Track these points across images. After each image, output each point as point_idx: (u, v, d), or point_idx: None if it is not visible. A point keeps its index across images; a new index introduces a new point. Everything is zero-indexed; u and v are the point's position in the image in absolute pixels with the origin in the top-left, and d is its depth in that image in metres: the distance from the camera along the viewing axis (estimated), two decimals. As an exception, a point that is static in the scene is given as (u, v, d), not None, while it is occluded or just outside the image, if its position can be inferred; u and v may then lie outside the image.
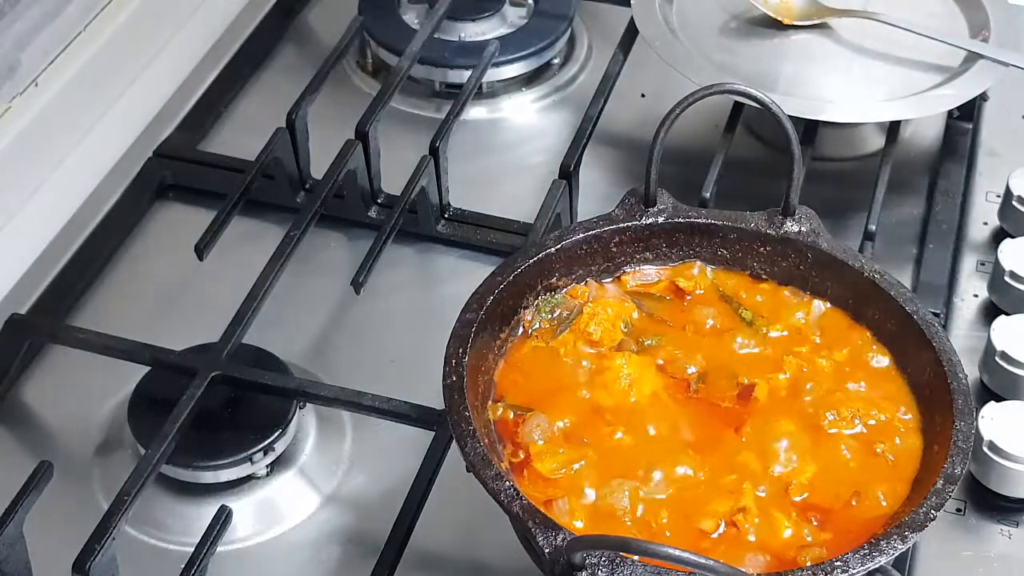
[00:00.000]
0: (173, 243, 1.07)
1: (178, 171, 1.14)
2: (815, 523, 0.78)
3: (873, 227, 1.02)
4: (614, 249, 0.89)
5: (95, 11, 1.11)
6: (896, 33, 1.12)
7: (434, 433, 0.90)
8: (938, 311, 1.00)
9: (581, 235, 0.89)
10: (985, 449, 0.90)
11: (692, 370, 0.85)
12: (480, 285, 0.85)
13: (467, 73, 1.15)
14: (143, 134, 1.15)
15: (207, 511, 0.85)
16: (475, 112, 1.21)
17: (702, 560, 0.66)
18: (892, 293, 0.85)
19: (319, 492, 0.93)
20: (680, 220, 0.90)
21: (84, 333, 0.97)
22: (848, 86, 1.11)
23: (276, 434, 0.91)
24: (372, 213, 1.09)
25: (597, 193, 1.10)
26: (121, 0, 1.13)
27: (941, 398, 0.81)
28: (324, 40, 1.28)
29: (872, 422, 0.82)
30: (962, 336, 1.01)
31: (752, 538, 0.77)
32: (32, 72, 1.05)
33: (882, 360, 0.86)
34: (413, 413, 0.91)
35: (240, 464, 0.91)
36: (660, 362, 0.86)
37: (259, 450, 0.91)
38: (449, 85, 1.21)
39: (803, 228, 0.89)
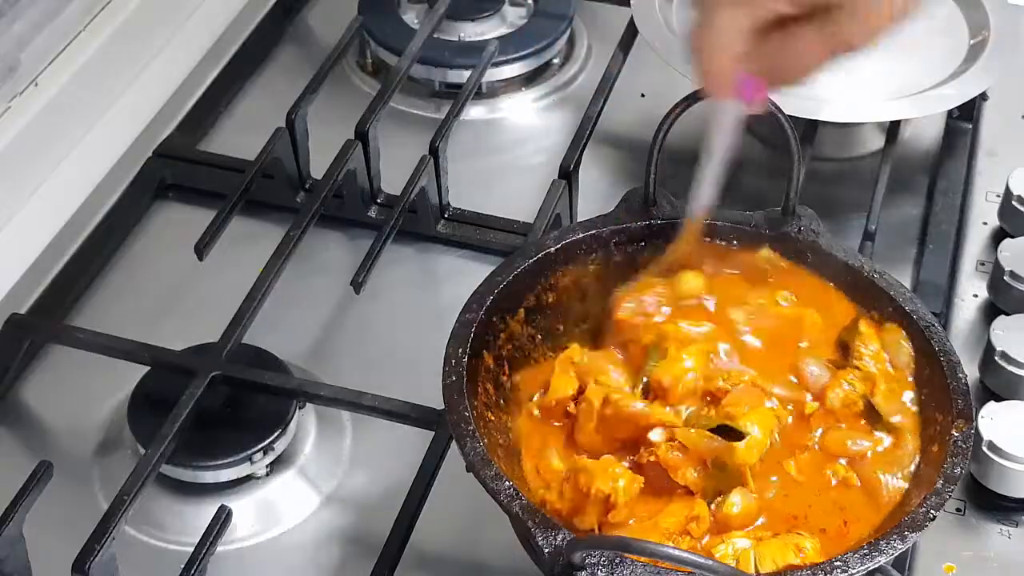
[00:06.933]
0: (173, 243, 1.07)
1: (178, 171, 1.14)
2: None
3: (873, 227, 1.02)
4: (614, 249, 0.89)
5: (95, 11, 1.11)
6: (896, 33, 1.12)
7: (434, 433, 0.90)
8: (938, 311, 1.00)
9: (581, 235, 0.89)
10: (985, 449, 0.89)
11: None
12: (480, 285, 0.85)
13: (467, 73, 1.15)
14: (143, 134, 1.15)
15: (207, 511, 0.85)
16: (475, 112, 1.21)
17: (702, 560, 0.66)
18: (892, 293, 0.85)
19: (319, 492, 0.93)
20: (680, 220, 0.90)
21: (84, 333, 0.97)
22: (848, 86, 1.11)
23: (276, 434, 0.91)
24: (372, 213, 1.09)
25: (597, 193, 1.10)
26: (121, 0, 1.13)
27: (941, 398, 0.81)
28: (324, 40, 1.28)
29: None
30: (962, 336, 1.01)
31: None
32: (32, 72, 1.05)
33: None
34: (413, 413, 0.91)
35: (240, 464, 0.91)
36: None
37: (259, 450, 0.91)
38: (449, 85, 1.21)
39: (803, 228, 0.89)
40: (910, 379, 0.83)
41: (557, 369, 0.84)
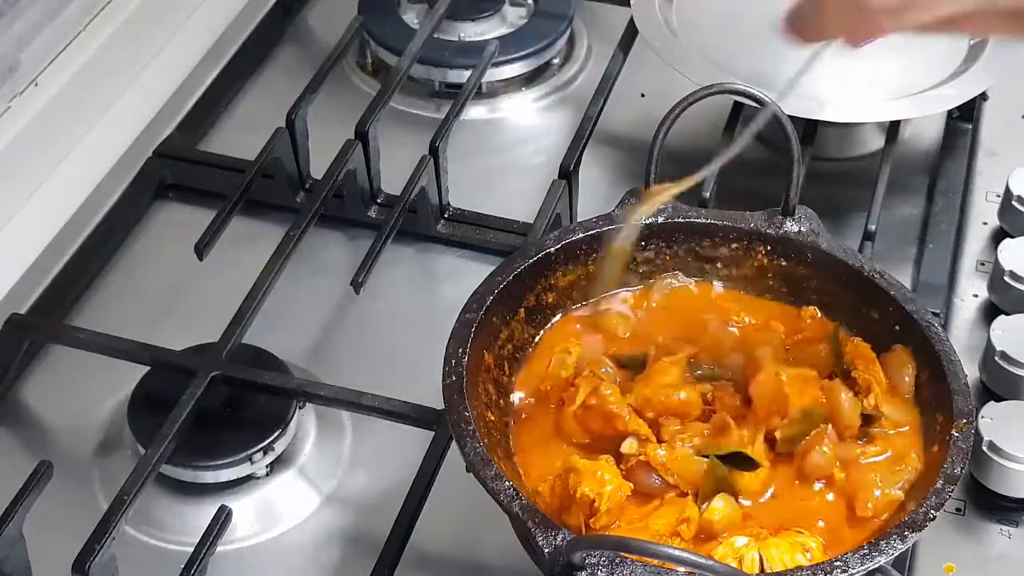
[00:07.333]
0: (173, 243, 1.07)
1: (178, 171, 1.14)
2: None
3: (873, 227, 1.02)
4: (614, 249, 0.89)
5: (95, 11, 1.11)
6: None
7: (434, 433, 0.90)
8: (938, 311, 1.00)
9: (581, 235, 0.89)
10: (985, 449, 0.89)
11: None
12: (480, 285, 0.85)
13: (467, 73, 1.15)
14: (143, 134, 1.15)
15: (207, 511, 0.85)
16: (475, 112, 1.21)
17: (702, 560, 0.66)
18: (892, 293, 0.85)
19: (319, 492, 0.93)
20: (680, 220, 0.90)
21: (84, 333, 0.97)
22: (848, 86, 1.11)
23: (276, 434, 0.91)
24: (372, 213, 1.09)
25: (597, 193, 1.10)
26: (121, 0, 1.13)
27: (941, 398, 0.81)
28: (324, 40, 1.28)
29: None
30: (962, 336, 1.00)
31: None
32: (32, 72, 1.05)
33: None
34: (413, 413, 0.91)
35: (240, 464, 0.91)
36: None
37: (259, 450, 0.91)
38: (449, 85, 1.21)
39: (803, 228, 0.89)
40: (907, 397, 0.84)
41: (553, 360, 0.85)
